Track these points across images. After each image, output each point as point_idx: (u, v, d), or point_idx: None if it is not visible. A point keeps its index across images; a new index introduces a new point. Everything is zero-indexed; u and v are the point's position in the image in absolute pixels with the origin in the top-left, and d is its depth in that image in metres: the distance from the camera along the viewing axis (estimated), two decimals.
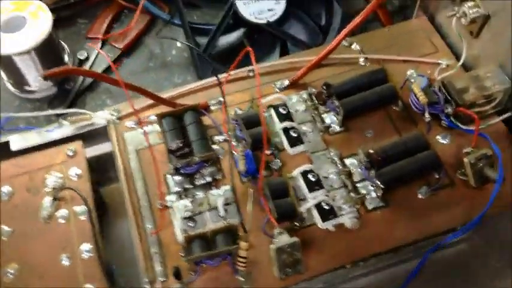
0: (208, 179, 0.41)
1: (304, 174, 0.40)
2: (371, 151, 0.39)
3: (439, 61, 0.46)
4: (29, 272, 0.37)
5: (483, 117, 0.42)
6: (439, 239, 0.39)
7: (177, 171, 0.41)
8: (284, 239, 0.36)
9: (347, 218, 0.38)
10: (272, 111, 0.44)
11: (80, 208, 0.39)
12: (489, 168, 0.39)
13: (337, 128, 0.43)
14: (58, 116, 0.49)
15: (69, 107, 0.53)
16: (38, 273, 0.37)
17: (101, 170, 0.46)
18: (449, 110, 0.42)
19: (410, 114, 0.44)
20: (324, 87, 0.43)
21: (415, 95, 0.41)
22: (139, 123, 0.44)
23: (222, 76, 0.45)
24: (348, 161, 0.41)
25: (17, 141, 0.44)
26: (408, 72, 0.45)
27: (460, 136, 0.42)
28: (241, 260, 0.35)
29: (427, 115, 0.41)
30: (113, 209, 0.46)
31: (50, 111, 0.48)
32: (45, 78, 0.33)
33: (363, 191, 0.40)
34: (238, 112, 0.44)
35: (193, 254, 0.36)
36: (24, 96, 0.54)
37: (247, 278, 0.36)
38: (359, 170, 0.41)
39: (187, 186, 0.41)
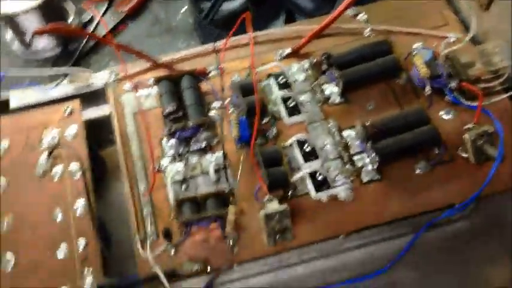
0: (204, 144, 0.41)
1: (299, 143, 0.40)
2: (367, 123, 0.38)
3: (448, 35, 0.45)
4: (23, 223, 0.37)
5: (489, 93, 0.41)
6: (436, 215, 0.38)
7: (171, 135, 0.40)
8: (273, 206, 0.35)
9: (341, 190, 0.38)
10: (271, 80, 0.43)
11: (75, 166, 0.40)
12: (489, 145, 0.38)
13: (337, 99, 0.42)
14: (64, 76, 0.49)
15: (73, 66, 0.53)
16: (31, 225, 0.37)
17: (102, 131, 0.45)
18: (453, 84, 0.40)
19: (413, 88, 0.43)
20: (324, 57, 0.42)
21: (417, 68, 0.40)
22: (136, 86, 0.44)
23: (222, 42, 0.44)
24: (345, 133, 0.41)
25: (16, 98, 0.44)
26: (414, 45, 0.44)
27: (463, 112, 0.41)
28: (229, 223, 0.34)
29: (427, 89, 0.40)
30: (112, 171, 0.46)
31: (51, 70, 0.48)
32: (35, 35, 0.33)
33: (359, 164, 0.39)
34: (236, 79, 0.43)
35: (183, 216, 0.36)
36: (29, 57, 0.54)
37: (237, 243, 0.36)
38: (356, 142, 0.40)
39: (182, 150, 0.40)
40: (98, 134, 0.44)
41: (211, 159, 0.39)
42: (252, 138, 0.37)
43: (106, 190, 0.44)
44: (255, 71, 0.41)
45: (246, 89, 0.41)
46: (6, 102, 0.45)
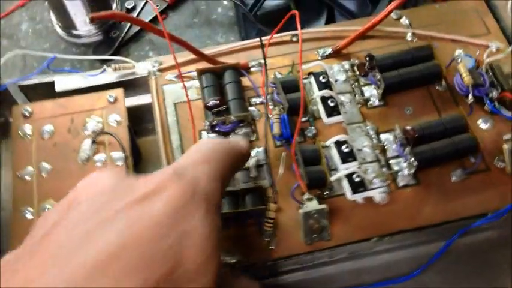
0: None
1: (338, 144, 0.40)
2: (408, 127, 0.39)
3: (489, 43, 0.45)
4: None
5: None
6: (467, 223, 0.39)
7: (212, 128, 0.41)
8: (313, 204, 0.36)
9: (377, 192, 0.39)
10: (312, 79, 0.44)
11: (117, 154, 0.41)
12: None
13: (376, 102, 0.43)
14: (102, 62, 0.50)
15: (113, 54, 0.54)
16: None
17: (139, 120, 0.47)
18: (494, 94, 0.41)
19: (453, 95, 0.43)
20: (367, 58, 0.42)
21: (461, 75, 0.40)
22: (180, 77, 0.44)
23: (265, 38, 0.45)
24: (383, 136, 0.41)
25: (61, 83, 0.45)
26: (456, 52, 0.44)
27: (502, 122, 0.41)
28: (268, 221, 0.35)
29: (470, 97, 0.40)
30: (146, 160, 0.47)
31: (95, 56, 0.49)
32: (92, 20, 0.33)
33: (396, 168, 0.40)
34: (277, 76, 0.44)
35: (222, 210, 0.36)
36: (71, 40, 0.55)
37: (273, 239, 0.37)
38: (394, 146, 0.41)
39: None
40: (134, 123, 0.45)
41: (252, 155, 0.40)
42: (294, 136, 0.38)
43: None
44: (301, 68, 0.41)
45: (288, 86, 0.41)
46: (48, 85, 0.46)
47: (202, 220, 0.24)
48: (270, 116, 0.42)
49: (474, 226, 0.38)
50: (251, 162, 0.38)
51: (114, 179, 0.25)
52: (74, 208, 0.24)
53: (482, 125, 0.41)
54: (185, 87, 0.42)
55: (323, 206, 0.36)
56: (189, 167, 0.26)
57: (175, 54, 0.45)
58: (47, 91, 0.46)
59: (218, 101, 0.40)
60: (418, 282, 0.40)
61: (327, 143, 0.40)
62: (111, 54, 0.54)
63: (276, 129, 0.39)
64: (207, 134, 0.41)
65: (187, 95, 0.41)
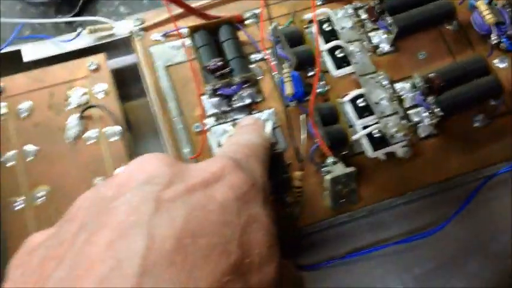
0: (248, 101, 0.37)
1: (353, 99, 0.37)
2: (431, 75, 0.36)
3: None
4: (61, 195, 0.34)
5: None
6: (493, 169, 0.37)
7: (214, 92, 0.37)
8: (340, 168, 0.33)
9: (399, 147, 0.36)
10: (314, 28, 0.40)
11: (110, 128, 0.36)
12: None
13: (386, 48, 0.40)
14: (69, 24, 0.44)
15: (79, 13, 0.48)
16: (71, 196, 0.34)
17: (120, 84, 0.41)
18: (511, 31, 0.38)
19: (466, 35, 0.40)
20: (377, 1, 0.39)
21: (480, 13, 0.37)
22: (168, 35, 0.40)
23: None
24: (398, 86, 0.38)
25: (29, 51, 0.40)
26: None
27: None
28: (296, 190, 0.32)
29: (493, 37, 0.38)
30: (137, 127, 0.42)
31: (63, 19, 0.43)
32: None
33: (415, 119, 0.37)
34: (278, 27, 0.39)
35: None
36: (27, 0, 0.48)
37: (295, 208, 0.34)
38: (411, 95, 0.38)
39: (224, 108, 0.37)
40: (117, 87, 0.40)
41: (263, 118, 0.36)
42: (312, 94, 0.34)
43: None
44: (314, 15, 0.37)
45: (292, 39, 0.38)
46: (15, 54, 0.40)
47: (264, 208, 0.23)
48: (274, 73, 0.38)
49: (501, 173, 0.37)
50: (268, 125, 0.35)
51: (165, 164, 0.23)
52: (124, 194, 0.21)
53: (500, 64, 0.39)
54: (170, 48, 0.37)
55: (352, 168, 0.33)
56: (242, 159, 0.25)
57: (155, 10, 0.41)
58: (11, 64, 0.40)
59: (221, 63, 0.36)
60: (438, 232, 0.39)
61: (344, 99, 0.36)
62: (77, 13, 0.48)
63: (289, 89, 0.35)
64: (209, 98, 0.37)
65: (189, 55, 0.36)
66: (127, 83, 0.42)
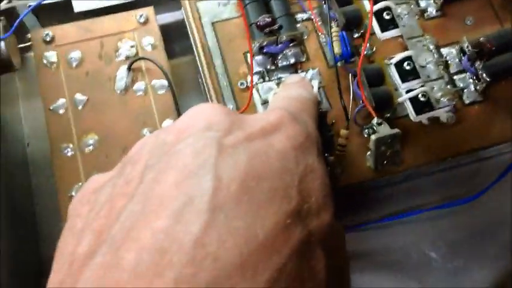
0: (292, 60, 0.38)
1: (399, 61, 0.37)
2: (482, 39, 0.35)
3: None
4: (111, 143, 0.35)
5: None
6: None
7: (260, 50, 0.37)
8: (385, 129, 0.33)
9: (443, 112, 0.36)
10: None
11: (158, 81, 0.37)
12: None
13: (434, 13, 0.39)
14: None
15: None
16: (120, 145, 0.35)
17: (166, 41, 0.42)
18: None
19: None
20: None
21: None
22: None
23: None
24: (444, 50, 0.38)
25: (80, 2, 0.40)
26: None
27: None
28: (340, 148, 0.33)
29: None
30: (178, 85, 0.43)
31: None
32: None
33: (461, 84, 0.37)
34: None
35: None
36: None
37: (337, 167, 0.35)
38: (457, 60, 0.38)
39: (269, 67, 0.38)
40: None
41: (307, 77, 0.37)
42: (361, 54, 0.34)
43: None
44: None
45: None
46: (65, 6, 0.40)
47: (319, 159, 0.23)
48: (320, 33, 0.38)
49: None
50: (315, 84, 0.35)
51: (223, 112, 0.23)
52: (186, 139, 0.21)
53: None
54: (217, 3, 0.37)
55: (396, 130, 0.33)
56: (296, 112, 0.26)
57: None
58: (62, 14, 0.40)
59: (270, 19, 0.36)
60: (476, 201, 0.39)
61: (391, 61, 0.36)
62: None
63: (337, 48, 0.35)
64: (254, 56, 0.37)
65: (242, 10, 0.36)
66: (172, 40, 0.43)
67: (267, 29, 0.36)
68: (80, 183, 0.34)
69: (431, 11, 0.39)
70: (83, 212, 0.22)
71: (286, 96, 0.30)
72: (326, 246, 0.21)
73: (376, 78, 0.36)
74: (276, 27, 0.36)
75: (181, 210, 0.18)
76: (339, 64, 0.36)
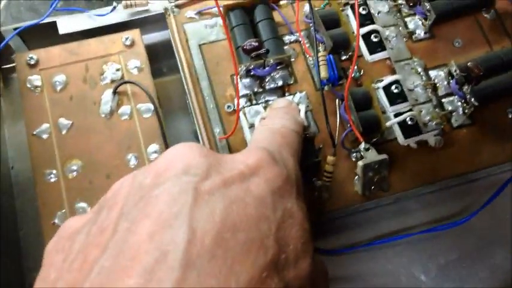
0: (280, 83, 0.37)
1: (387, 85, 0.37)
2: (470, 64, 0.35)
3: None
4: (95, 169, 0.34)
5: None
6: None
7: (247, 73, 0.37)
8: (372, 155, 0.33)
9: (431, 135, 0.36)
10: (349, 11, 0.39)
11: (144, 105, 0.36)
12: None
13: (422, 35, 0.39)
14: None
15: None
16: (104, 171, 0.34)
17: (153, 60, 0.41)
18: None
19: (503, 24, 0.39)
20: None
21: None
22: (203, 13, 0.39)
23: None
24: (432, 73, 0.38)
25: (65, 24, 0.40)
26: None
27: None
28: (327, 175, 0.32)
29: None
30: (164, 105, 0.42)
31: None
32: None
33: (449, 107, 0.37)
34: (314, 9, 0.39)
35: None
36: None
37: (324, 192, 0.34)
38: (445, 83, 0.37)
39: (256, 89, 0.37)
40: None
41: (294, 101, 0.36)
42: (349, 79, 0.34)
43: None
44: None
45: (328, 21, 0.37)
46: (50, 28, 0.40)
47: (298, 202, 0.23)
48: (307, 56, 0.38)
49: None
50: (302, 108, 0.34)
51: (202, 154, 0.22)
52: (163, 183, 0.21)
53: None
54: (225, 26, 0.37)
55: (384, 156, 0.33)
56: (275, 149, 0.25)
57: None
58: (47, 36, 0.40)
59: (256, 43, 0.36)
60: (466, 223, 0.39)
61: (380, 84, 0.36)
62: None
63: (323, 73, 0.35)
64: (241, 79, 0.37)
65: (227, 34, 0.36)
66: (159, 59, 0.43)
67: (254, 53, 0.36)
68: (64, 210, 0.33)
69: (420, 32, 0.39)
70: (56, 261, 0.21)
71: (270, 129, 0.29)
72: None
73: (364, 102, 0.35)
74: (262, 51, 0.36)
75: (153, 267, 0.18)
76: (326, 88, 0.36)
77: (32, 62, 0.37)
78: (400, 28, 0.39)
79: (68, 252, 0.21)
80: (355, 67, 0.38)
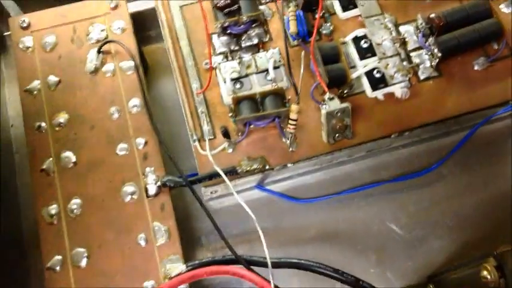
0: (255, 40, 0.39)
1: (357, 40, 0.38)
2: (432, 15, 0.37)
3: None
4: (80, 122, 0.37)
5: None
6: (489, 112, 0.38)
7: (223, 30, 0.39)
8: (335, 104, 0.35)
9: (398, 87, 0.37)
10: None
11: (126, 63, 0.39)
12: None
13: None
14: None
15: None
16: (89, 124, 0.37)
17: (141, 28, 0.44)
18: None
19: None
20: None
21: None
22: None
23: None
24: (403, 28, 0.39)
25: None
26: None
27: None
28: (291, 122, 0.34)
29: None
30: (154, 69, 0.45)
31: None
32: None
33: (417, 60, 0.38)
34: None
35: (241, 115, 0.35)
36: None
37: (293, 141, 0.36)
38: (414, 37, 0.39)
39: (233, 47, 0.39)
40: (136, 30, 0.43)
41: (267, 57, 0.38)
42: (313, 33, 0.36)
43: (149, 87, 0.43)
44: None
45: None
46: None
47: None
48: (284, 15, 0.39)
49: (497, 115, 0.38)
50: (269, 63, 0.36)
51: None
52: None
53: (505, 9, 0.39)
54: None
55: (346, 104, 0.35)
56: None
57: None
58: (37, 1, 0.43)
59: (229, 1, 0.37)
60: (436, 174, 0.40)
61: (346, 39, 0.38)
62: None
63: (293, 27, 0.37)
64: (218, 36, 0.39)
65: None
66: (145, 26, 0.45)
67: (227, 9, 0.38)
68: (51, 159, 0.36)
69: None
70: None
71: None
72: None
73: (332, 55, 0.37)
74: (235, 7, 0.38)
75: None
76: (296, 42, 0.38)
77: (24, 25, 0.40)
78: None
79: None
80: (328, 24, 0.39)
